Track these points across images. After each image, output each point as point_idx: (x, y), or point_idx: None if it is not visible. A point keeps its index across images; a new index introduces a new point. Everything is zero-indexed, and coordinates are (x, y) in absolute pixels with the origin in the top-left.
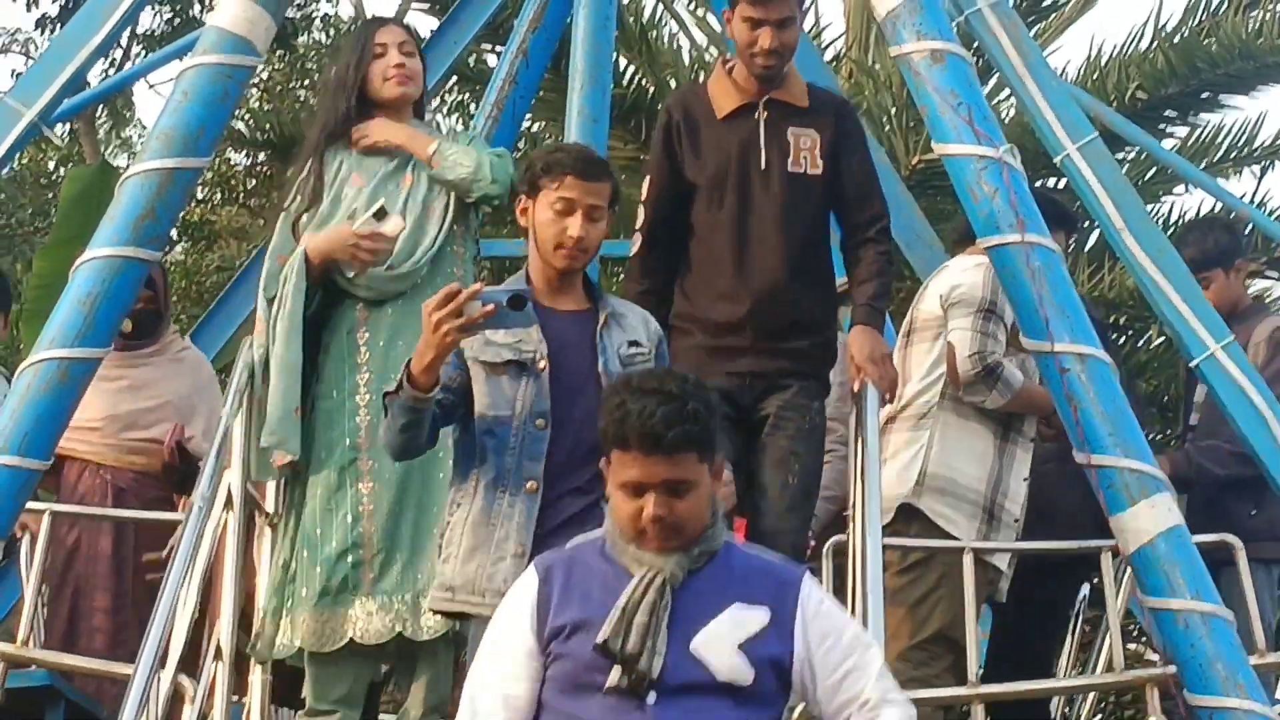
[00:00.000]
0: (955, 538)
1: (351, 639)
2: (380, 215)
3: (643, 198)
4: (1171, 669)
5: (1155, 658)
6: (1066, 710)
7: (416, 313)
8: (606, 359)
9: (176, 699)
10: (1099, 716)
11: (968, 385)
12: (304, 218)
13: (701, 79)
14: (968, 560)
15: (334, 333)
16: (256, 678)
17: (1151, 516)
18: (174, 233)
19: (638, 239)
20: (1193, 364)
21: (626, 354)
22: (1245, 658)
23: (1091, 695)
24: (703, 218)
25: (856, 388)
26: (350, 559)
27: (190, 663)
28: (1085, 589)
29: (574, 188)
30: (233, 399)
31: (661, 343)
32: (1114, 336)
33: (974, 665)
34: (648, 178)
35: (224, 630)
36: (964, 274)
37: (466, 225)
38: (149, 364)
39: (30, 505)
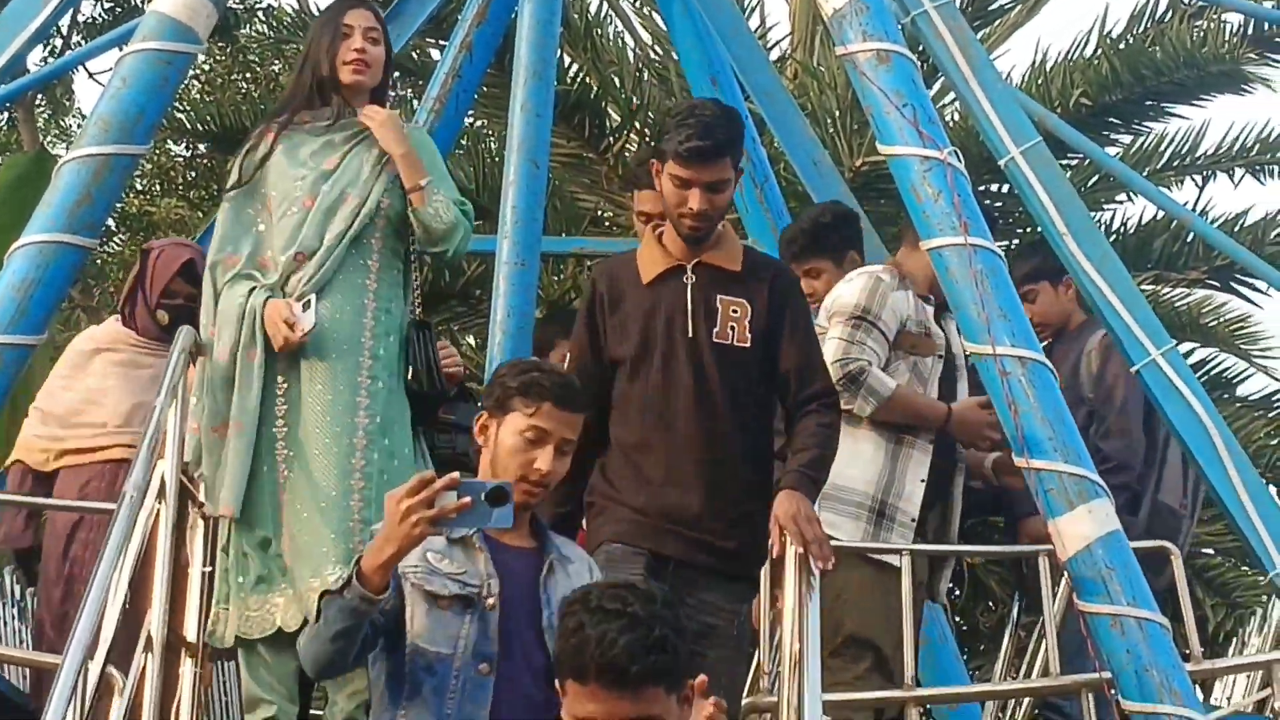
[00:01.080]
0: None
1: (280, 628)
2: (306, 306)
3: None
4: (1106, 674)
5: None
6: (1000, 715)
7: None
8: (550, 614)
9: (107, 691)
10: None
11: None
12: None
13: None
14: (905, 562)
15: None
16: (187, 669)
17: (1090, 521)
18: (112, 224)
19: None
20: (1134, 369)
21: None
22: (1181, 664)
23: (1026, 700)
24: (624, 392)
25: (776, 552)
26: (273, 548)
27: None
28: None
29: (551, 417)
30: (166, 388)
31: None
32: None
33: (910, 668)
34: (567, 354)
35: (154, 621)
36: (846, 284)
37: (395, 254)
38: None
39: None
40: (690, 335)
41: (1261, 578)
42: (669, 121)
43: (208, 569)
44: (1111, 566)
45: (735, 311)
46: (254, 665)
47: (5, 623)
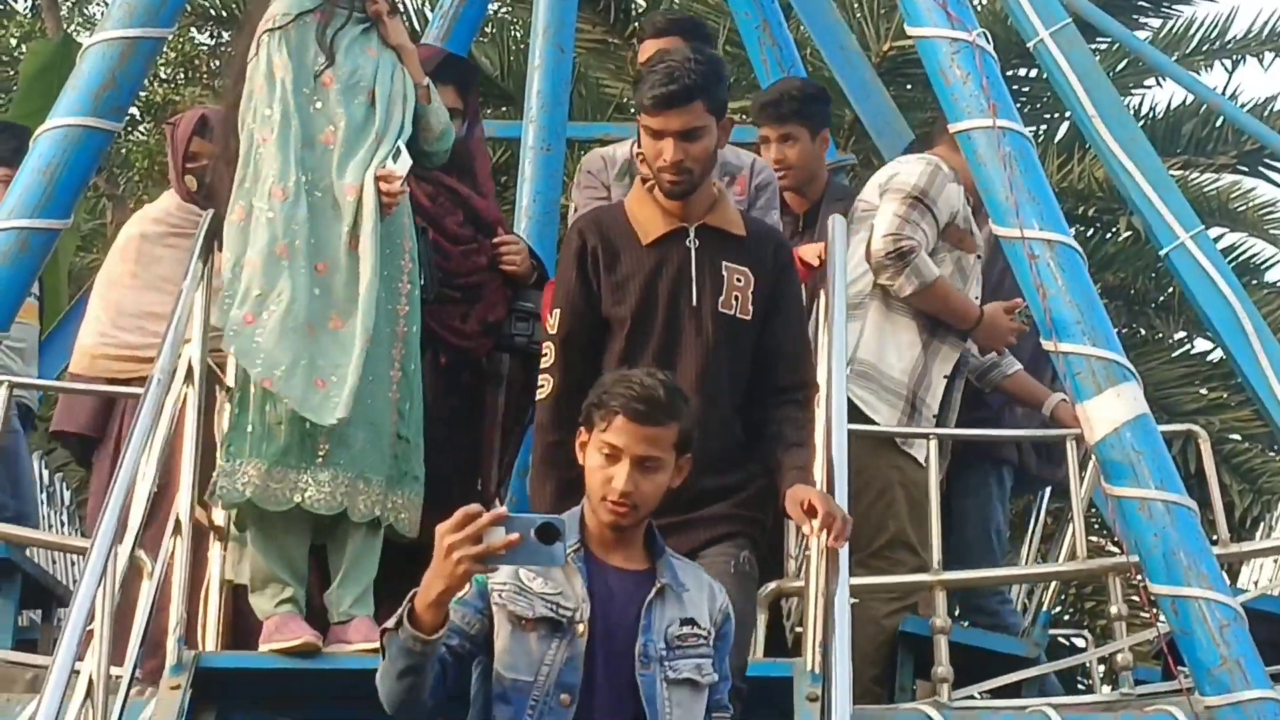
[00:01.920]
0: (874, 423)
1: (299, 505)
2: (396, 155)
3: (551, 330)
4: (1134, 558)
5: (1116, 549)
6: (1027, 601)
7: None
8: (648, 638)
9: (135, 575)
10: (1059, 608)
11: (879, 266)
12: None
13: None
14: (932, 445)
15: None
16: (215, 552)
17: (1117, 405)
18: (137, 113)
19: (547, 383)
20: (1163, 253)
21: (676, 634)
22: (1208, 547)
23: (1053, 586)
24: (618, 358)
25: (807, 530)
26: (307, 424)
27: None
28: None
29: (622, 433)
30: (193, 270)
31: (728, 621)
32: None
33: (936, 552)
34: (556, 310)
35: (183, 505)
36: (904, 164)
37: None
38: None
39: None
40: (695, 304)
41: None
42: (642, 71)
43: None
44: (1140, 450)
45: (739, 280)
46: (267, 542)
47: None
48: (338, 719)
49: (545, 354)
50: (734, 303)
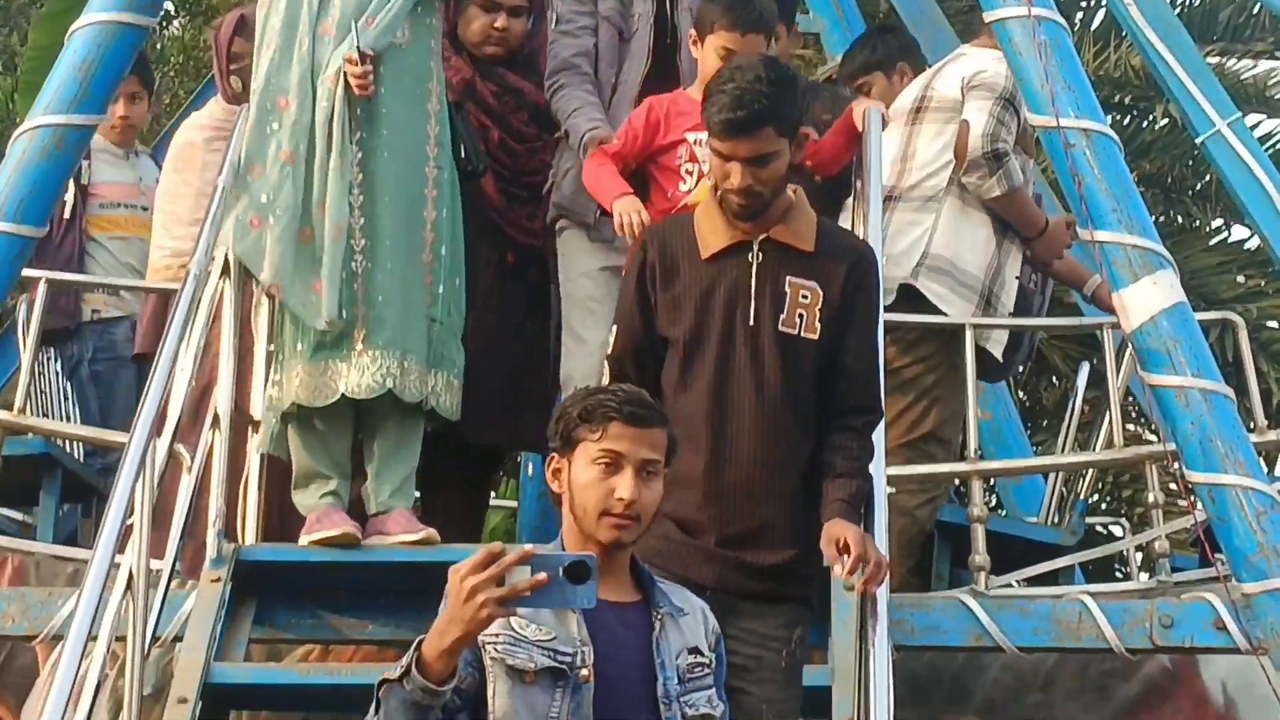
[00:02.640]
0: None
1: (343, 395)
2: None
3: (608, 352)
4: (1171, 446)
5: (1154, 439)
6: (1064, 490)
7: (401, 74)
8: (667, 679)
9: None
10: (1095, 497)
11: (972, 163)
12: None
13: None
14: (969, 334)
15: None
16: (253, 446)
17: (1154, 293)
18: (171, 8)
19: None
20: (1199, 140)
21: (685, 666)
22: (1245, 435)
23: (1090, 474)
24: (675, 381)
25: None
26: (344, 314)
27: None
28: (1085, 368)
29: (622, 438)
30: (227, 169)
31: (720, 642)
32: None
33: (973, 442)
34: (615, 328)
35: (221, 398)
36: (990, 62)
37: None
38: None
39: (27, 272)
40: (752, 323)
41: None
42: (710, 85)
43: (271, 347)
44: (1176, 338)
45: (805, 297)
46: (309, 438)
47: (66, 398)
48: (377, 611)
49: (603, 375)
50: (798, 321)
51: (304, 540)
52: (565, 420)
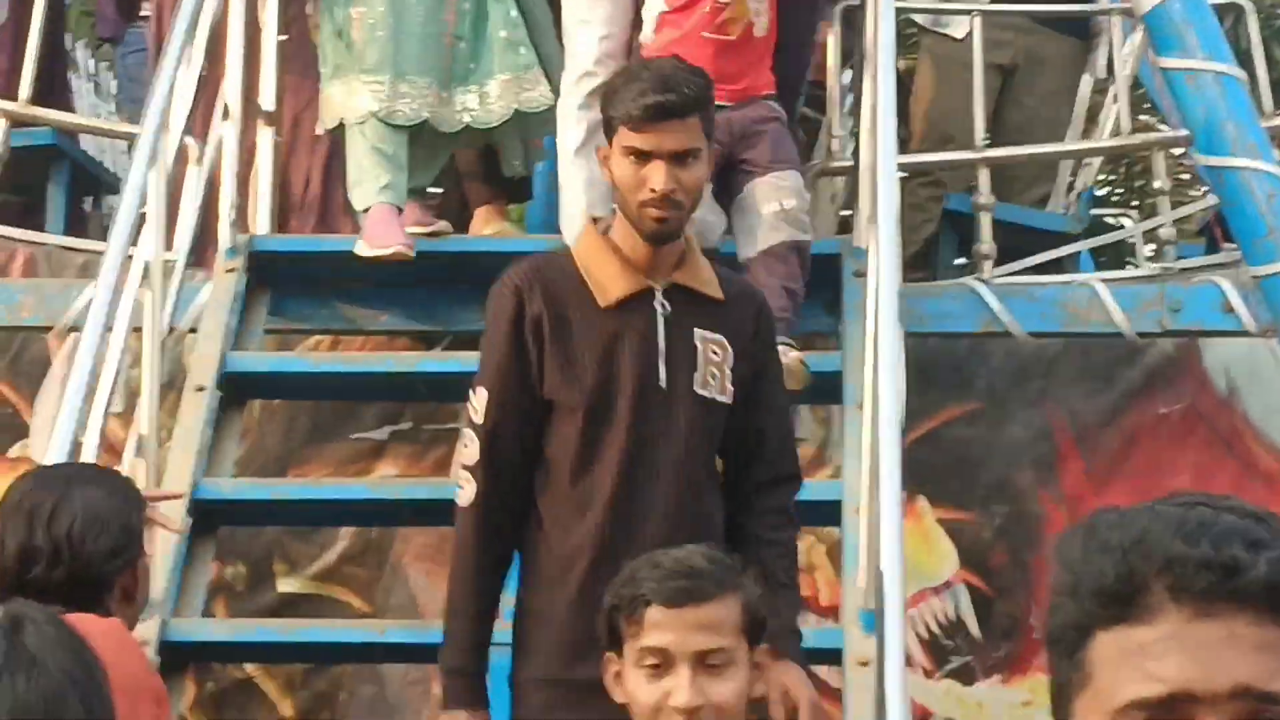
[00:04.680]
0: None
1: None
2: None
3: (475, 417)
4: (1183, 132)
5: (1164, 129)
6: (1073, 179)
7: None
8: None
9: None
10: (1107, 189)
11: None
12: None
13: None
14: (977, 23)
15: None
16: (264, 138)
17: None
18: None
19: (468, 485)
20: None
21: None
22: (1257, 118)
23: (1097, 162)
24: (574, 454)
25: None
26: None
27: None
28: (1097, 56)
29: (663, 629)
30: None
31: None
32: None
33: (980, 131)
34: (482, 390)
35: (231, 90)
36: None
37: None
38: None
39: None
40: (664, 384)
41: None
42: (614, 82)
43: (282, 37)
44: (1189, 21)
45: (715, 354)
46: (354, 148)
47: (82, 96)
48: (390, 300)
49: (465, 445)
50: (710, 381)
51: (359, 250)
52: (623, 593)
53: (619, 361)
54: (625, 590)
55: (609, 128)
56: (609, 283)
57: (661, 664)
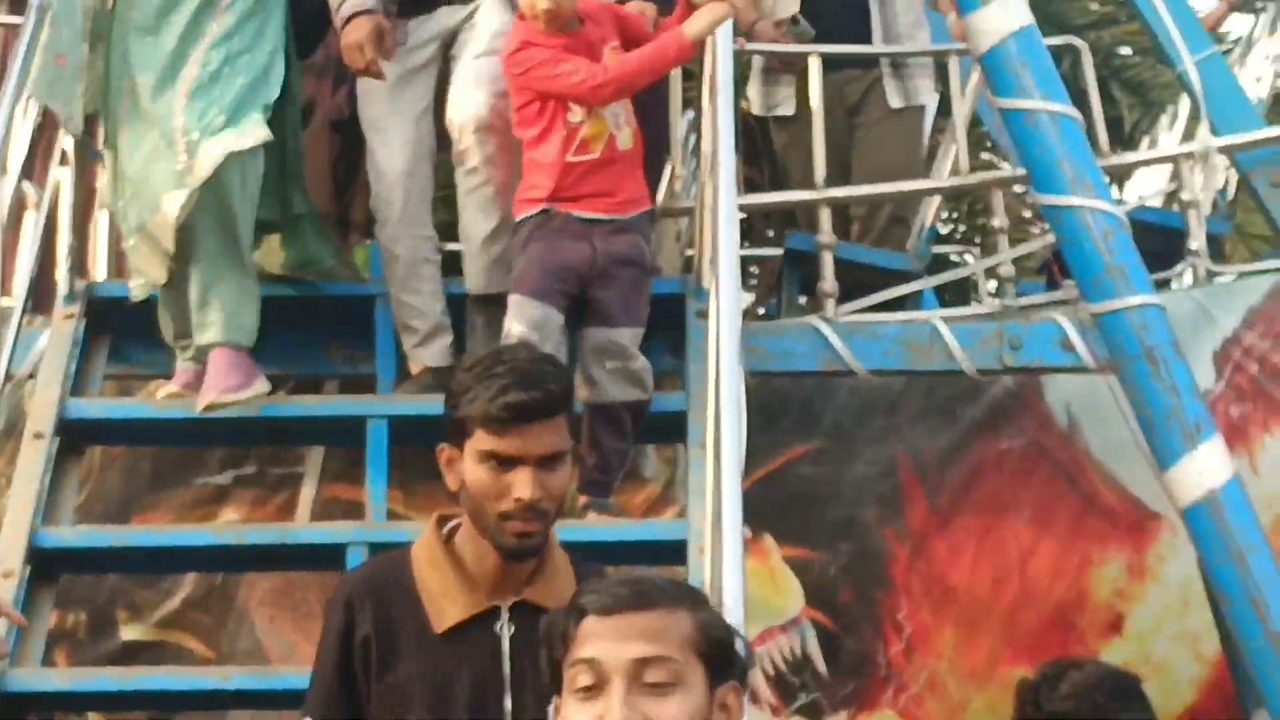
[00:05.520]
0: None
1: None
2: None
3: None
4: (1020, 171)
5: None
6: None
7: None
8: None
9: None
10: (950, 226)
11: None
12: None
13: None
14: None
15: None
16: (104, 183)
17: (1003, 16)
18: None
19: None
20: None
21: None
22: (1093, 157)
23: (937, 201)
24: None
25: None
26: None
27: None
28: (935, 98)
29: (595, 638)
30: None
31: None
32: None
33: (820, 169)
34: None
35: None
36: None
37: None
38: None
39: None
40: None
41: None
42: (463, 378)
43: None
44: (1025, 61)
45: None
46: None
47: None
48: None
49: None
50: None
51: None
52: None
53: (455, 697)
54: (563, 613)
55: (458, 429)
56: (445, 603)
57: (595, 683)
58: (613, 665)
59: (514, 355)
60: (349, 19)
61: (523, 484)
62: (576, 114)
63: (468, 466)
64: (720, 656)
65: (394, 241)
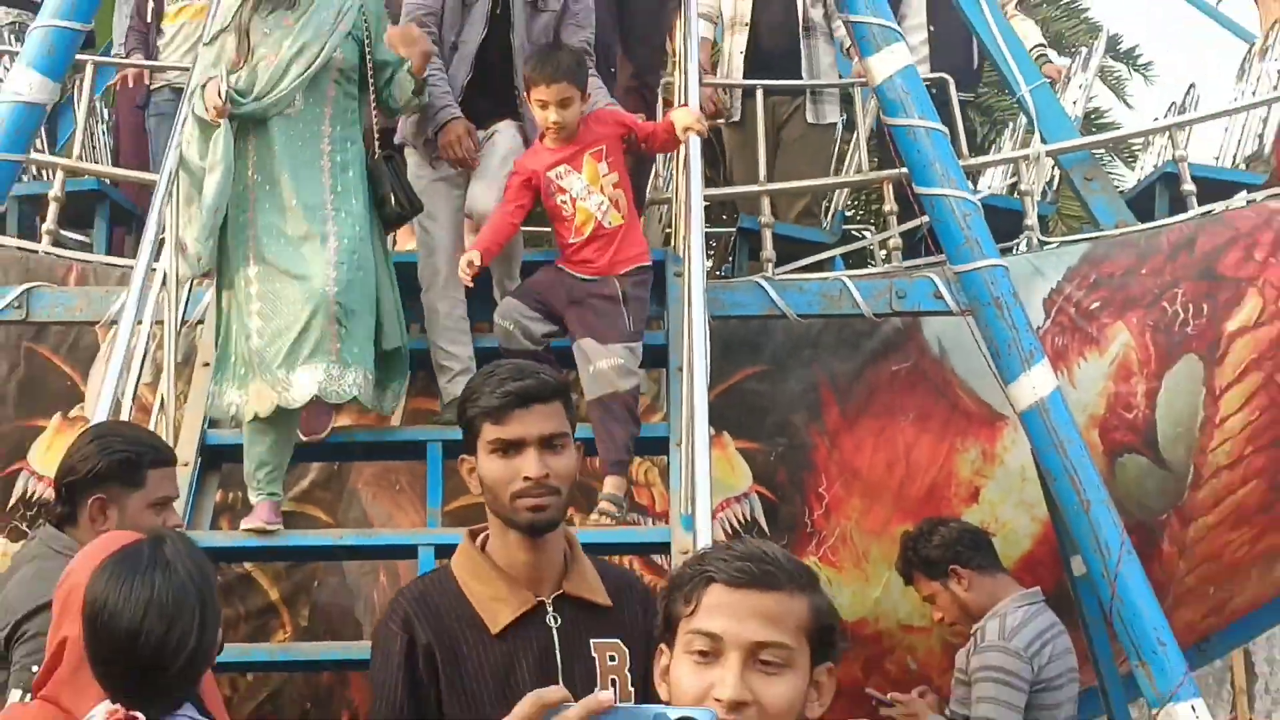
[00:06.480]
0: None
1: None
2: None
3: None
4: (904, 170)
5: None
6: (827, 202)
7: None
8: None
9: None
10: (855, 210)
11: None
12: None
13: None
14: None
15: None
16: None
17: (891, 59)
18: None
19: None
20: None
21: None
22: (957, 161)
23: (844, 192)
24: None
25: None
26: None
27: None
28: (842, 117)
29: (720, 611)
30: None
31: None
32: None
33: (763, 169)
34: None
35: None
36: None
37: (350, 98)
38: None
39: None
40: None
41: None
42: (470, 386)
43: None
44: (908, 91)
45: (613, 659)
46: (252, 438)
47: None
48: None
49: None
50: (611, 687)
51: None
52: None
53: (518, 686)
54: (689, 569)
55: (471, 432)
56: (496, 606)
57: (711, 651)
58: (732, 642)
59: (510, 359)
60: (445, 124)
61: (529, 463)
62: (568, 207)
63: (481, 462)
64: (825, 641)
65: (438, 300)
